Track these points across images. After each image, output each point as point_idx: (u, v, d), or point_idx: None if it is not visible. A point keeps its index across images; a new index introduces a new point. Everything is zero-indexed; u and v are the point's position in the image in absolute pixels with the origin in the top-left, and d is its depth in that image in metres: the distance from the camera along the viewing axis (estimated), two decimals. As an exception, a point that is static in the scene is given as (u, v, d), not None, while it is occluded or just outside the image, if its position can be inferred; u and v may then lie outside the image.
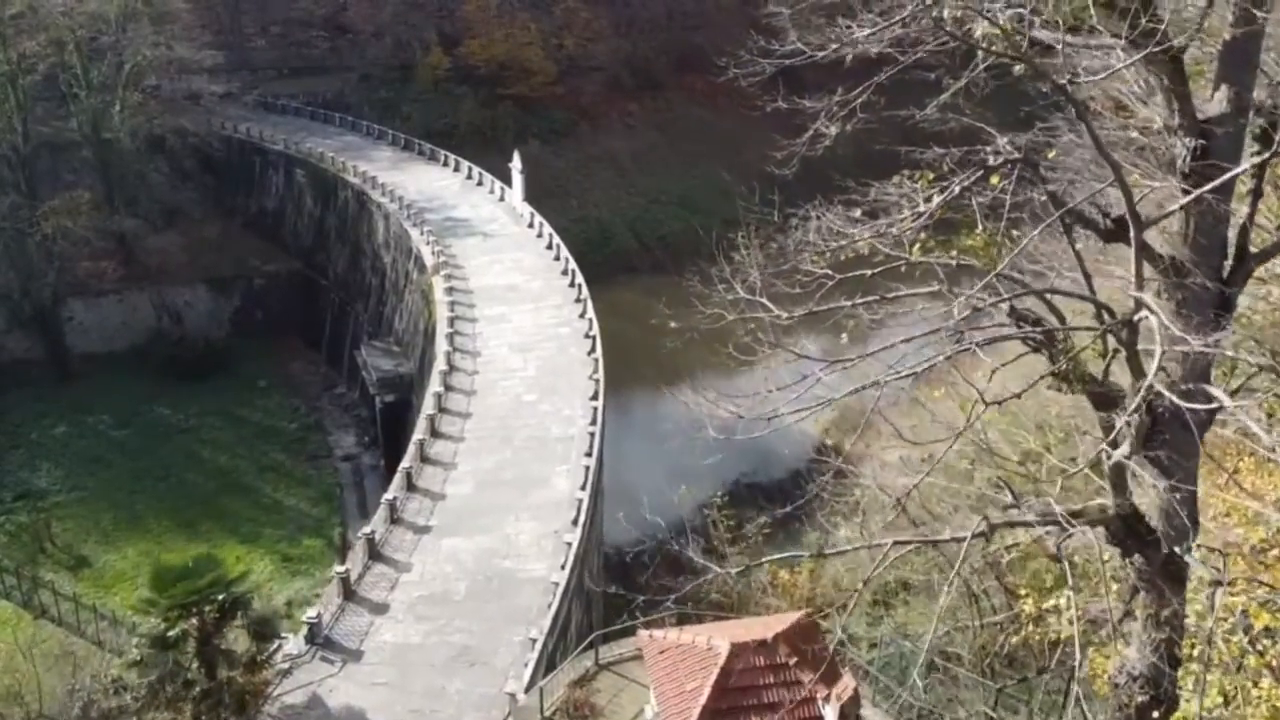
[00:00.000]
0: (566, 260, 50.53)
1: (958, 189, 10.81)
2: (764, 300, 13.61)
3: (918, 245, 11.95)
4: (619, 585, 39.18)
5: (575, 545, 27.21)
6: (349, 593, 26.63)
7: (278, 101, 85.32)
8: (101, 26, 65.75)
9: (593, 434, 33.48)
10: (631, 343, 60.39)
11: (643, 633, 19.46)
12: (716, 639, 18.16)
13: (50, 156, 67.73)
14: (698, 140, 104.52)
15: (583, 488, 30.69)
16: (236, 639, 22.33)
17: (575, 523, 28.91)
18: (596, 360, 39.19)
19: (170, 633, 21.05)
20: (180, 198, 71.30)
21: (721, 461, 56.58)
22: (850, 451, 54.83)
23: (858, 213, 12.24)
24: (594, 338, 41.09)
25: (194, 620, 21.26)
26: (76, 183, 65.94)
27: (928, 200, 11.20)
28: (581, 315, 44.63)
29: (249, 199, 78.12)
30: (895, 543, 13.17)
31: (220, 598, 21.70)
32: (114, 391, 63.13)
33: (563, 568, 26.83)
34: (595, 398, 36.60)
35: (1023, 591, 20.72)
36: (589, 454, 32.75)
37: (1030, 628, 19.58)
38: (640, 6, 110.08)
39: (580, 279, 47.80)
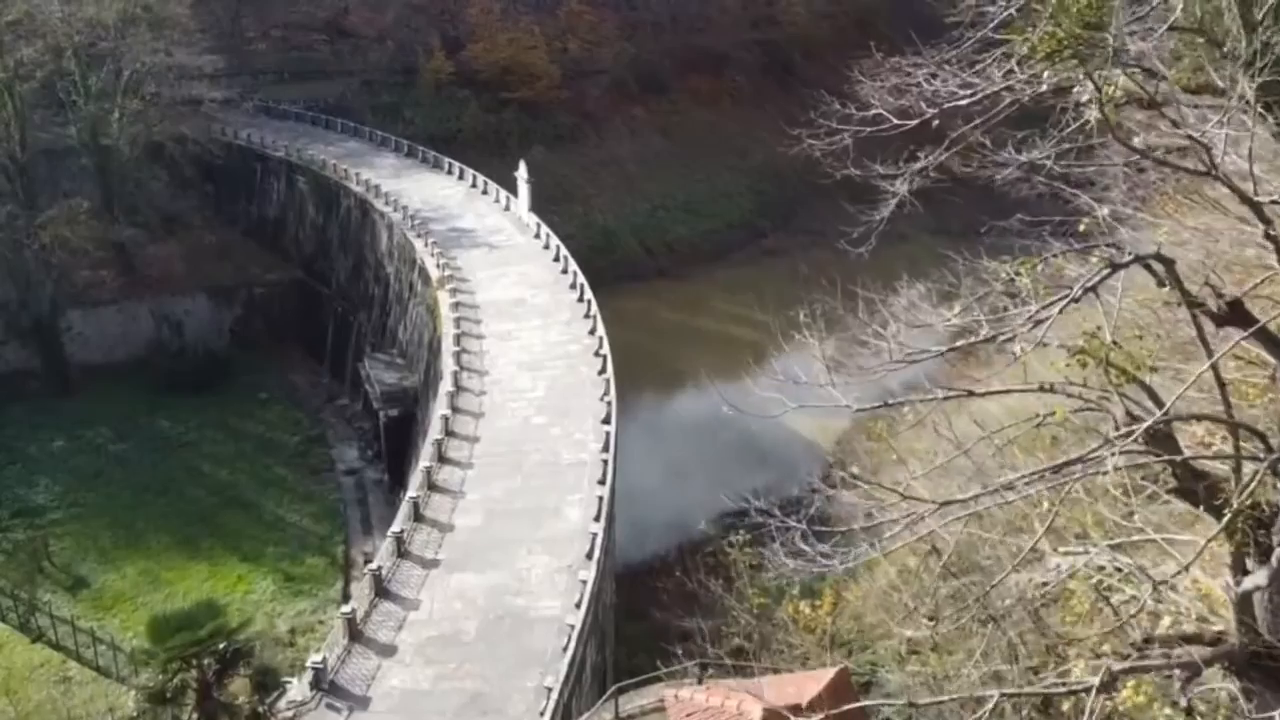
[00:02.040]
0: (575, 274, 49.46)
1: (1080, 293, 9.73)
2: (833, 389, 12.53)
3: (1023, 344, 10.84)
4: (634, 617, 38.28)
5: (590, 583, 26.14)
6: (355, 633, 25.58)
7: (279, 106, 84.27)
8: (100, 33, 64.59)
9: (606, 461, 32.35)
10: (638, 351, 59.49)
11: (668, 692, 18.41)
12: (747, 703, 17.13)
13: (48, 164, 66.68)
14: (703, 144, 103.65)
15: (596, 518, 29.62)
16: (238, 690, 21.33)
17: (590, 557, 27.84)
18: (608, 381, 38.05)
19: (169, 686, 20.06)
20: (180, 206, 70.29)
21: (729, 475, 55.92)
22: (866, 466, 53.95)
23: (956, 307, 11.15)
24: (605, 356, 39.96)
25: (194, 672, 20.24)
26: (75, 191, 64.77)
27: (1027, 287, 10.12)
28: (591, 332, 43.55)
29: (250, 206, 77.11)
30: (1002, 695, 12.07)
31: (221, 647, 20.71)
32: (113, 404, 62.22)
33: (578, 606, 25.75)
34: (607, 421, 35.45)
35: (1073, 652, 19.60)
36: (602, 482, 31.65)
37: (1084, 696, 18.42)
38: (644, 9, 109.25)
39: (589, 294, 46.71)
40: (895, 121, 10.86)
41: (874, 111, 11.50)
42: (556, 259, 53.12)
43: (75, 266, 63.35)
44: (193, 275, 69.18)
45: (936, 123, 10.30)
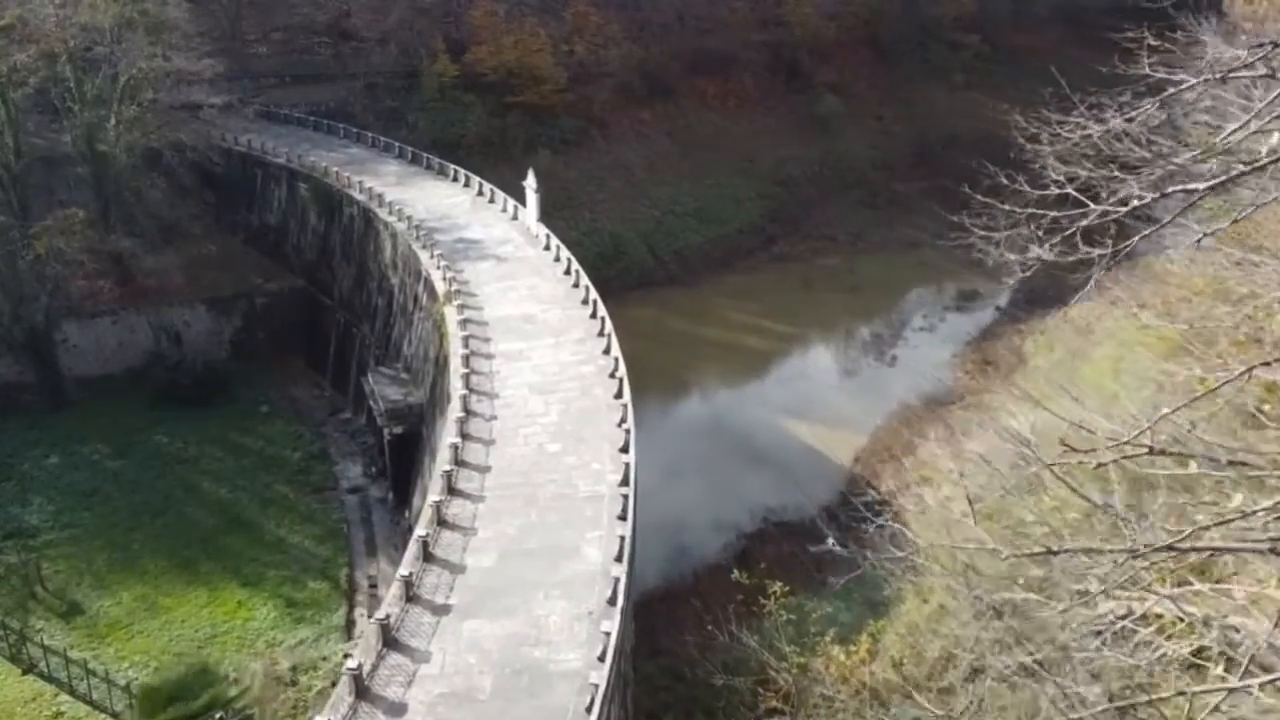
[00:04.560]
0: (588, 289, 47.59)
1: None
2: (974, 523, 10.80)
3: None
4: (650, 652, 36.54)
5: (614, 634, 24.33)
6: (361, 690, 23.82)
7: (279, 111, 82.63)
8: (95, 37, 62.94)
9: (626, 496, 30.48)
10: (647, 361, 57.86)
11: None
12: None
13: (44, 172, 65.07)
14: (710, 147, 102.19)
15: (618, 559, 27.80)
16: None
17: (612, 604, 26.03)
18: (625, 406, 36.13)
19: (161, 763, 18.35)
20: (178, 214, 68.58)
21: (745, 494, 54.35)
22: (889, 484, 52.30)
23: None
24: (621, 379, 38.06)
25: (188, 747, 18.53)
26: (71, 200, 63.13)
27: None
28: (606, 351, 41.67)
29: (250, 214, 75.40)
30: None
31: (218, 718, 18.98)
32: (110, 418, 60.73)
33: (601, 660, 23.96)
34: (625, 449, 33.60)
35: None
36: (622, 518, 29.80)
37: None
38: (651, 10, 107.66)
39: (603, 311, 44.85)
40: (1094, 207, 9.01)
41: (1060, 191, 9.66)
42: (567, 272, 51.32)
43: (71, 277, 61.73)
44: (192, 285, 67.65)
45: (1138, 203, 8.56)
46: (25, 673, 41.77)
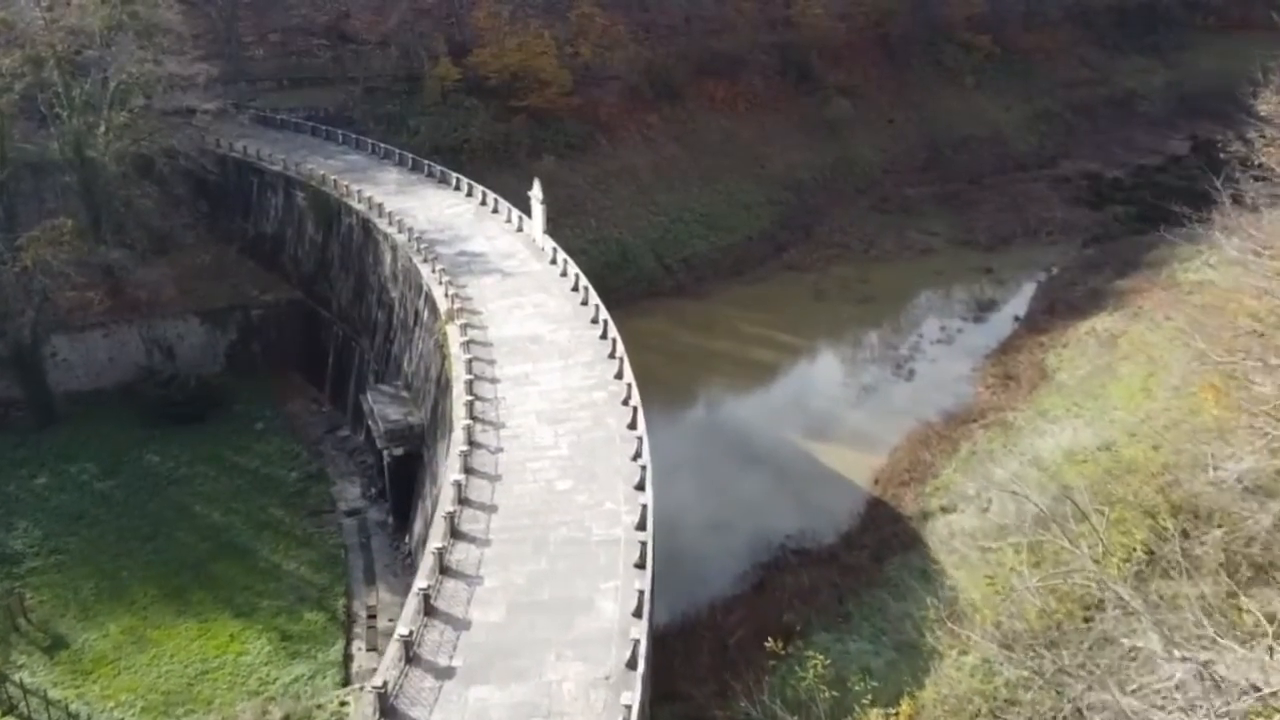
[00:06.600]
0: (597, 308, 45.21)
1: None
2: None
3: None
4: (665, 696, 34.24)
5: (635, 706, 22.07)
6: (357, 770, 21.61)
7: (276, 116, 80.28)
8: (84, 41, 60.67)
9: (644, 542, 28.14)
10: (657, 377, 55.59)
11: None
12: None
13: (31, 180, 62.98)
14: (719, 152, 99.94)
15: (637, 614, 25.50)
16: None
17: (631, 667, 23.74)
18: (640, 439, 33.76)
19: None
20: (171, 223, 66.46)
21: (760, 518, 51.99)
22: (911, 510, 49.98)
23: None
24: (635, 408, 35.68)
25: None
26: (59, 209, 60.93)
27: None
28: (618, 376, 39.31)
29: (245, 223, 73.11)
30: None
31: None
32: (99, 436, 58.77)
33: (620, 736, 21.75)
34: (641, 487, 31.27)
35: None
36: (640, 565, 27.51)
37: None
38: (658, 11, 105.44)
39: (614, 331, 42.47)
40: None
41: None
42: (575, 288, 48.97)
43: (59, 289, 59.44)
44: (185, 297, 65.48)
45: None
46: (5, 714, 39.71)
